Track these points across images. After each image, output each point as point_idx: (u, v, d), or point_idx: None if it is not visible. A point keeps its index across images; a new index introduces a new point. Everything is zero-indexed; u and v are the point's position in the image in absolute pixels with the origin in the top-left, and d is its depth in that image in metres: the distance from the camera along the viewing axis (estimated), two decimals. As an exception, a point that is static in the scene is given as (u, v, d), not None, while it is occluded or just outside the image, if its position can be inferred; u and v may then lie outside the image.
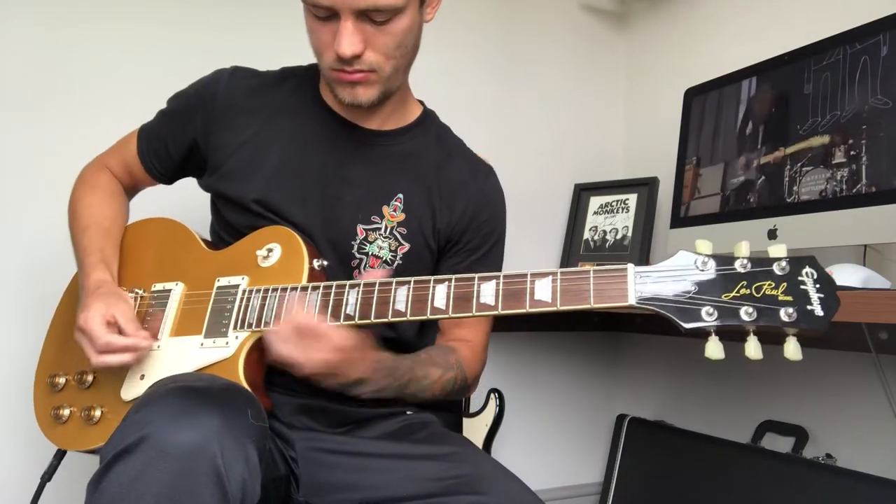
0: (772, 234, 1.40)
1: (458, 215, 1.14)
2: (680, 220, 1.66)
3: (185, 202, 1.27)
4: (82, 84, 1.58)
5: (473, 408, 1.54)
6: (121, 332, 0.97)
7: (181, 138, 1.14)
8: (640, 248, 1.85)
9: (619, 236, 1.91)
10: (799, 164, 1.40)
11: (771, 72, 1.50)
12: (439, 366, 1.08)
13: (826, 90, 1.37)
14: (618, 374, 2.20)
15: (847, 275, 1.16)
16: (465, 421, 1.49)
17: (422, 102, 1.21)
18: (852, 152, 1.29)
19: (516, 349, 2.05)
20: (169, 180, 1.22)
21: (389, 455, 1.00)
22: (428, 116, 1.19)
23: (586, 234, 1.99)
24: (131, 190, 1.24)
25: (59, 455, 1.11)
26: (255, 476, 0.78)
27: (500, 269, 1.21)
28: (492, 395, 1.51)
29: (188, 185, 1.22)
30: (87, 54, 1.59)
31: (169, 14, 1.66)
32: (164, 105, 1.20)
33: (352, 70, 0.99)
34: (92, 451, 1.00)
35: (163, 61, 1.64)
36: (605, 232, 1.95)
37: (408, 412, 1.14)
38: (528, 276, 0.83)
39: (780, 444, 1.62)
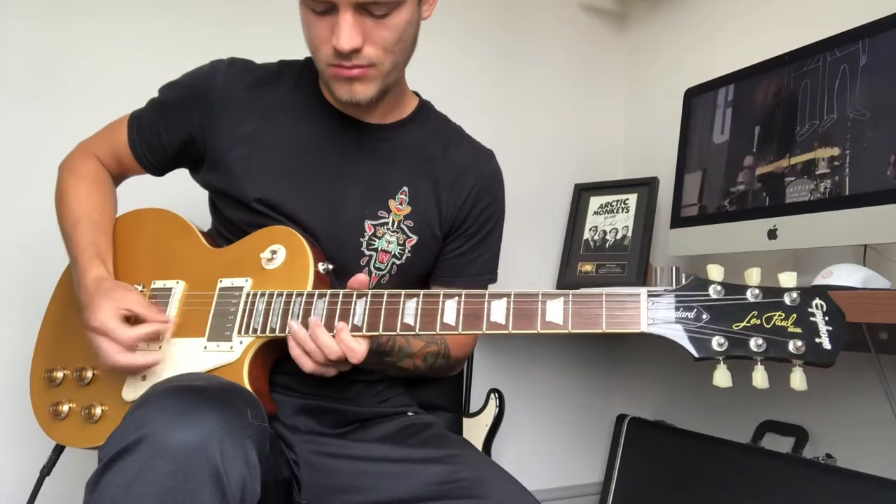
0: (772, 235, 1.39)
1: (462, 200, 1.15)
2: (680, 220, 1.66)
3: (182, 196, 1.24)
4: (82, 75, 1.58)
5: (473, 408, 1.54)
6: (139, 320, 0.96)
7: (176, 131, 1.11)
8: (640, 249, 1.85)
9: (619, 236, 1.91)
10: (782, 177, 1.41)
11: (755, 77, 1.52)
12: (421, 338, 1.08)
13: (806, 98, 1.39)
14: (618, 374, 2.20)
15: (847, 275, 1.16)
16: (465, 421, 1.49)
17: (417, 94, 1.20)
18: (836, 163, 1.31)
19: (516, 349, 2.05)
20: (160, 172, 1.18)
21: (390, 459, 1.00)
22: (425, 107, 1.19)
23: (586, 234, 1.99)
24: (119, 177, 1.20)
25: (58, 449, 1.10)
26: (255, 476, 0.78)
27: (498, 250, 1.22)
28: (492, 395, 1.51)
29: (184, 178, 1.19)
30: (88, 46, 1.59)
31: (173, 8, 1.67)
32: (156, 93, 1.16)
33: (350, 65, 0.97)
34: (93, 448, 0.99)
35: (162, 53, 1.63)
36: (605, 232, 1.95)
37: (409, 413, 1.14)
38: (540, 297, 0.83)
39: (780, 444, 1.62)
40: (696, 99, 1.67)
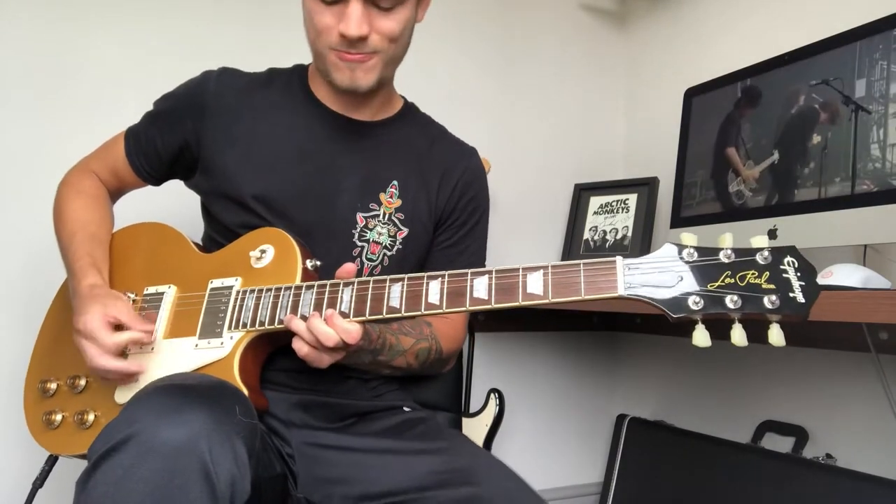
0: (772, 234, 1.39)
1: (450, 193, 1.19)
2: (680, 220, 1.66)
3: (175, 208, 1.27)
4: (82, 81, 1.59)
5: (473, 408, 1.54)
6: (123, 329, 0.97)
7: (171, 139, 1.15)
8: (640, 248, 1.85)
9: (619, 236, 1.91)
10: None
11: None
12: (411, 335, 1.10)
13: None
14: (618, 374, 2.20)
15: (847, 275, 1.16)
16: (465, 421, 1.49)
17: (403, 97, 1.25)
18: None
19: (516, 349, 2.05)
20: (157, 181, 1.22)
21: (385, 451, 1.01)
22: (411, 107, 1.25)
23: (586, 234, 1.99)
24: (116, 193, 1.24)
25: (51, 460, 1.11)
26: (245, 473, 0.78)
27: (485, 242, 1.26)
28: (492, 395, 1.51)
29: (177, 189, 1.21)
30: (88, 46, 1.59)
31: (169, 10, 1.67)
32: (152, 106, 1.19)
33: (354, 51, 1.02)
34: (84, 456, 0.99)
35: (162, 54, 1.64)
36: (605, 232, 1.95)
37: (405, 408, 1.15)
38: (521, 270, 0.85)
39: (780, 444, 1.62)
40: (696, 99, 1.67)
